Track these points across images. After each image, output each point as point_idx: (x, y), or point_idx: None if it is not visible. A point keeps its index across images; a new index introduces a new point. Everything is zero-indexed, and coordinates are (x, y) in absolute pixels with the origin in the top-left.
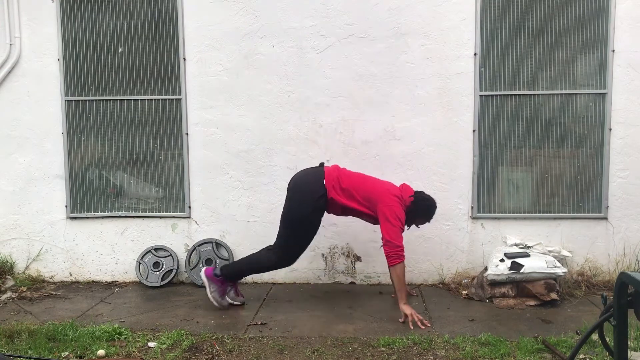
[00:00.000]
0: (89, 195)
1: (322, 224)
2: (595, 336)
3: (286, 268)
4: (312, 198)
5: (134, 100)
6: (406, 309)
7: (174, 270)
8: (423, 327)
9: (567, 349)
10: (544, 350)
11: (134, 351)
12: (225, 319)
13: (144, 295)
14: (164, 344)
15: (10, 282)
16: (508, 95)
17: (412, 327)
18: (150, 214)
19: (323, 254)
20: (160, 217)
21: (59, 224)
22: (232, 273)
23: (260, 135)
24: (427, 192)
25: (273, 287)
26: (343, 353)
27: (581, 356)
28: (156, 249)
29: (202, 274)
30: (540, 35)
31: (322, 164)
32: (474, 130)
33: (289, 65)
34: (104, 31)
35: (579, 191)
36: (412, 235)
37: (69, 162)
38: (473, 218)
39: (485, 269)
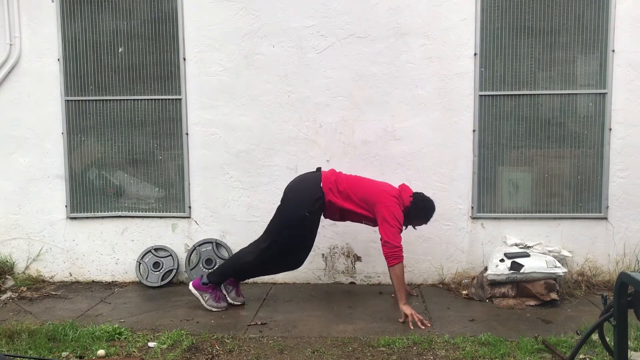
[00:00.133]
0: (89, 195)
1: (322, 224)
2: (595, 336)
3: (292, 270)
4: (309, 200)
5: (134, 100)
6: (406, 309)
7: (174, 270)
8: (423, 327)
9: (567, 349)
10: (544, 350)
11: (134, 351)
12: (225, 319)
13: (144, 295)
14: (164, 344)
15: (10, 282)
16: (508, 95)
17: (412, 327)
18: (150, 214)
19: (323, 254)
20: (160, 217)
21: (59, 224)
22: (218, 277)
23: (260, 135)
24: (427, 192)
25: (273, 287)
26: (343, 353)
27: (581, 356)
28: (156, 249)
29: (191, 287)
30: (540, 35)
31: (319, 169)
32: (474, 130)
33: (289, 65)
34: (104, 31)
35: (579, 191)
36: (412, 235)
37: (69, 162)
38: (473, 218)
39: (485, 269)
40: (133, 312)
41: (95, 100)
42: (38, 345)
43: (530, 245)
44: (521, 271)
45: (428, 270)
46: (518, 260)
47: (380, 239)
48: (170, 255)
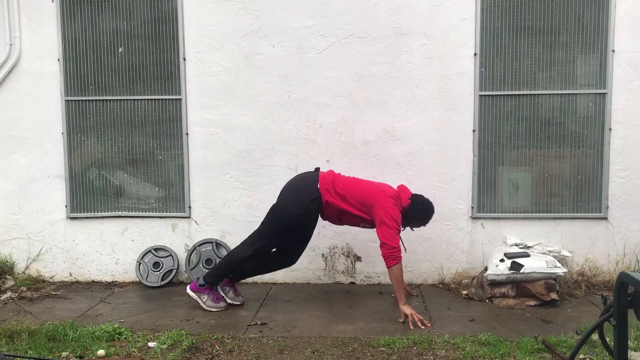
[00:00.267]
0: (89, 195)
1: (322, 223)
2: (595, 336)
3: (286, 268)
4: (305, 200)
5: (134, 100)
6: (406, 309)
7: (174, 270)
8: (423, 327)
9: (567, 349)
10: (544, 350)
11: (134, 351)
12: (225, 319)
13: (144, 295)
14: (164, 344)
15: (10, 282)
16: (508, 95)
17: (412, 327)
18: (150, 214)
19: (323, 254)
20: (160, 217)
21: (59, 224)
22: (214, 278)
23: (260, 135)
24: (427, 192)
25: (273, 287)
26: (343, 353)
27: (581, 356)
28: (156, 249)
29: (189, 291)
30: (540, 35)
31: (317, 169)
32: (474, 130)
33: (289, 65)
34: (104, 31)
35: (579, 191)
36: (412, 235)
37: (69, 162)
38: (473, 218)
39: (485, 269)
40: (133, 312)
41: (95, 100)
42: (38, 345)
43: (530, 245)
44: (521, 271)
45: (428, 270)
46: (518, 260)
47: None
48: (170, 255)
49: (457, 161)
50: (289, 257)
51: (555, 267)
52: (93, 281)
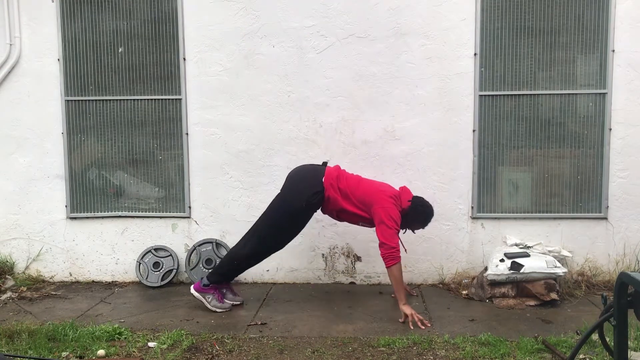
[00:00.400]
0: (89, 195)
1: (322, 224)
2: (595, 336)
3: (286, 268)
4: (308, 192)
5: (134, 100)
6: (406, 309)
7: (174, 270)
8: (423, 327)
9: (567, 349)
10: (544, 350)
11: (134, 351)
12: (225, 319)
13: (144, 295)
14: (164, 344)
15: (10, 282)
16: (508, 95)
17: (412, 327)
18: (150, 214)
19: (323, 254)
20: (160, 217)
21: (59, 224)
22: (218, 277)
23: (260, 135)
24: (427, 192)
25: (273, 287)
26: (343, 353)
27: (581, 356)
28: (156, 249)
29: (193, 291)
30: (540, 35)
31: (325, 163)
32: (474, 130)
33: (289, 65)
34: (104, 31)
35: (579, 191)
36: (412, 235)
37: (69, 162)
38: (473, 218)
39: (485, 269)
40: (133, 312)
41: (95, 100)
42: (38, 345)
43: (530, 245)
44: (521, 271)
45: (428, 270)
46: (518, 260)
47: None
48: (170, 255)
49: (457, 161)
50: (279, 244)
51: (555, 267)
52: (93, 281)
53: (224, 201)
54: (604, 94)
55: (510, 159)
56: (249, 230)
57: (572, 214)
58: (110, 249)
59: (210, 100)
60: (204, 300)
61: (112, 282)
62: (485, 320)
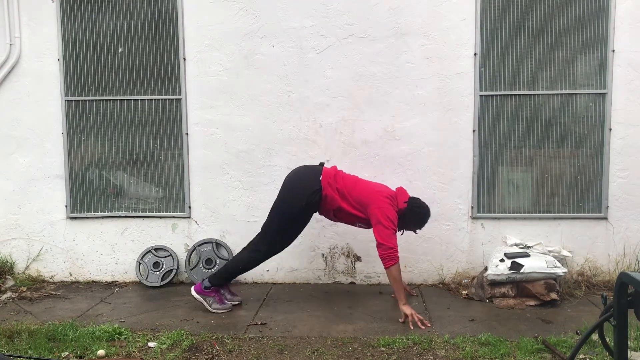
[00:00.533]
0: (89, 195)
1: (322, 224)
2: (595, 336)
3: (286, 268)
4: (307, 192)
5: (134, 100)
6: (406, 309)
7: (174, 270)
8: (423, 327)
9: (567, 349)
10: (544, 350)
11: (134, 351)
12: (225, 319)
13: (144, 295)
14: (164, 344)
15: (10, 282)
16: (508, 95)
17: (412, 327)
18: (150, 214)
19: (323, 254)
20: (160, 217)
21: (59, 224)
22: (220, 280)
23: (260, 135)
24: (427, 191)
25: (273, 287)
26: (343, 353)
27: (581, 356)
28: (156, 249)
29: (194, 293)
30: (540, 35)
31: (322, 164)
32: (474, 130)
33: (289, 65)
34: (104, 31)
35: (579, 191)
36: (412, 235)
37: (69, 162)
38: (473, 218)
39: (485, 269)
40: (133, 312)
41: (95, 100)
42: (38, 345)
43: (530, 245)
44: (521, 271)
45: (428, 270)
46: (518, 260)
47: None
48: (170, 255)
49: (457, 161)
50: (280, 247)
51: (555, 267)
52: (93, 281)
53: (224, 201)
54: (604, 94)
55: (510, 159)
56: (256, 237)
57: (572, 214)
58: (110, 249)
59: (210, 100)
60: (204, 303)
61: (112, 282)
62: (485, 320)
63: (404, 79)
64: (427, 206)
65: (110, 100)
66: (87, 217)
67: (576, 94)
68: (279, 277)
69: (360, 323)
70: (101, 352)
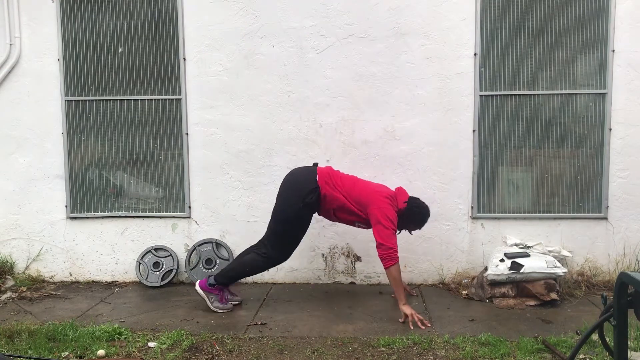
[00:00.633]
0: (89, 195)
1: (322, 224)
2: (595, 336)
3: (286, 268)
4: (303, 192)
5: (134, 100)
6: (406, 309)
7: (174, 270)
8: (423, 327)
9: (567, 349)
10: (544, 350)
11: (134, 351)
12: (225, 319)
13: (144, 295)
14: (164, 344)
15: (10, 282)
16: (508, 95)
17: (412, 327)
18: (150, 214)
19: (323, 254)
20: (160, 217)
21: (59, 224)
22: (226, 279)
23: (260, 135)
24: (427, 191)
25: (273, 287)
26: (343, 353)
27: (581, 356)
28: (156, 249)
29: (198, 288)
30: (540, 35)
31: (315, 164)
32: (474, 130)
33: (289, 65)
34: (104, 31)
35: (579, 191)
36: (412, 235)
37: (69, 162)
38: (473, 218)
39: (485, 269)
40: (133, 312)
41: (95, 100)
42: (38, 345)
43: (530, 245)
44: (521, 271)
45: (428, 270)
46: (518, 260)
47: (375, 241)
48: (170, 255)
49: (457, 161)
50: (286, 252)
51: (555, 267)
52: (93, 281)
53: (224, 201)
54: (604, 94)
55: (510, 159)
56: (263, 241)
57: (572, 214)
58: (110, 249)
59: (210, 100)
60: (207, 299)
61: (112, 282)
62: (485, 320)
63: (404, 79)
64: (426, 206)
65: (110, 100)
66: (87, 217)
67: (576, 94)
68: (279, 277)
69: (360, 323)
70: (101, 352)
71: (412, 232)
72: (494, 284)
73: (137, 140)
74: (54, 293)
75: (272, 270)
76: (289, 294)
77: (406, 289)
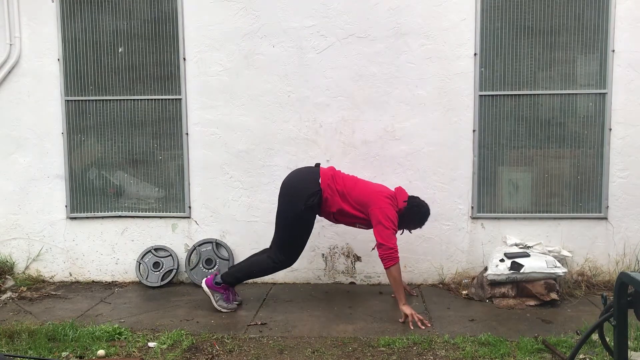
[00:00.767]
0: (89, 195)
1: (322, 224)
2: (595, 336)
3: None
4: (305, 194)
5: (134, 100)
6: (406, 309)
7: (174, 270)
8: (423, 327)
9: (567, 349)
10: (544, 350)
11: (134, 351)
12: (225, 319)
13: (144, 295)
14: (164, 344)
15: (10, 282)
16: (508, 95)
17: (412, 327)
18: (150, 214)
19: (323, 254)
20: (160, 217)
21: (59, 224)
22: (233, 279)
23: (260, 135)
24: (427, 191)
25: (273, 287)
26: (343, 353)
27: (581, 356)
28: (156, 249)
29: (204, 285)
30: (540, 35)
31: (317, 165)
32: (474, 130)
33: (289, 65)
34: (104, 31)
35: (579, 191)
36: (412, 235)
37: (69, 162)
38: (473, 218)
39: (485, 269)
40: (133, 312)
41: (95, 100)
42: (38, 345)
43: (530, 245)
44: (521, 271)
45: (428, 270)
46: (518, 260)
47: (375, 241)
48: (170, 255)
49: (457, 161)
50: (290, 257)
51: (555, 267)
52: (93, 281)
53: (224, 201)
54: (604, 94)
55: (510, 159)
56: (271, 246)
57: (572, 214)
58: (110, 249)
59: (210, 100)
60: (211, 297)
61: (112, 282)
62: (485, 320)
63: (404, 79)
64: (426, 205)
65: (110, 100)
66: (87, 217)
67: (576, 94)
68: (279, 277)
69: (360, 323)
70: (101, 352)
71: (413, 231)
72: (494, 284)
73: (137, 140)
74: (54, 293)
75: None
76: (289, 294)
77: (406, 289)
